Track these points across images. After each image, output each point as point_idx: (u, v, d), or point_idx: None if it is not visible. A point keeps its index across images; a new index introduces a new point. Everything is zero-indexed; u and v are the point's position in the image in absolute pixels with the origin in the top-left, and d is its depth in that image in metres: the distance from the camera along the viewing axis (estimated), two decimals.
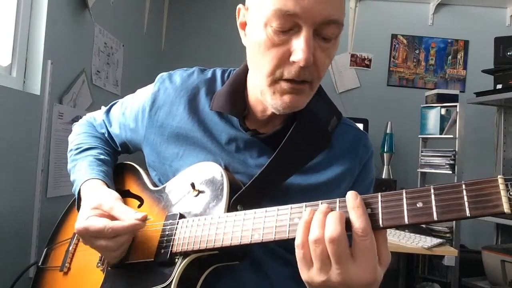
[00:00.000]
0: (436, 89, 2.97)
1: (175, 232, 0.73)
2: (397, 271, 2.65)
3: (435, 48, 3.32)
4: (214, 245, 0.67)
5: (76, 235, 0.92)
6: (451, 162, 2.71)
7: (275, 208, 0.63)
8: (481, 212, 0.47)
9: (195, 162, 0.81)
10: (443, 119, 2.81)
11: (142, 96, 0.92)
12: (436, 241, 2.25)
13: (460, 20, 3.30)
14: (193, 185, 0.77)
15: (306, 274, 0.57)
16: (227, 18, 3.29)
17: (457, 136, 2.71)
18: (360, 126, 2.85)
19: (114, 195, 0.80)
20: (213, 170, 0.77)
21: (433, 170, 2.81)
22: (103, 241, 0.73)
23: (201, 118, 0.84)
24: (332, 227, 0.54)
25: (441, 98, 2.85)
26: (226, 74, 0.89)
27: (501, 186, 0.47)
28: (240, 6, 0.77)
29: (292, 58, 0.67)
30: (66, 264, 0.90)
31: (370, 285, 0.55)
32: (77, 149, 0.96)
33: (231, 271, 0.75)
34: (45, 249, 0.99)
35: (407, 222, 0.51)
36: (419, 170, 2.90)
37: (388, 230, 2.06)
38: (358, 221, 0.54)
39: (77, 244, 0.92)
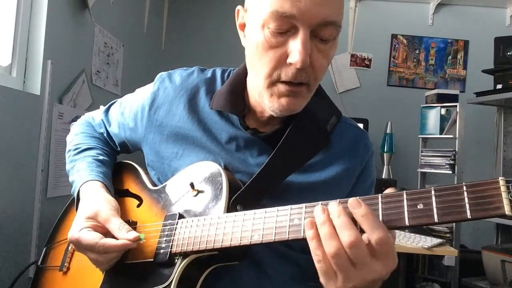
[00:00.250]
0: (436, 89, 2.97)
1: (174, 233, 0.73)
2: (397, 271, 2.65)
3: (435, 48, 3.32)
4: (213, 245, 0.67)
5: None
6: (451, 162, 2.70)
7: (275, 208, 0.63)
8: (482, 214, 0.47)
9: (195, 162, 0.80)
10: (443, 119, 2.81)
11: (141, 96, 0.92)
12: (436, 241, 2.25)
13: (460, 20, 3.30)
14: (192, 185, 0.76)
15: (334, 285, 0.56)
16: (227, 18, 3.28)
17: (457, 136, 2.71)
18: (360, 126, 2.83)
19: (112, 204, 0.80)
20: (212, 170, 0.77)
21: (433, 170, 2.81)
22: (94, 255, 0.74)
23: (201, 117, 0.84)
24: (347, 234, 0.53)
25: (441, 98, 2.85)
26: (226, 74, 0.90)
27: (502, 188, 0.46)
28: (239, 7, 0.77)
29: (289, 60, 0.67)
30: (66, 264, 0.90)
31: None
32: (75, 149, 0.96)
33: (231, 271, 0.75)
34: (44, 248, 0.99)
35: (408, 223, 0.51)
36: (419, 170, 2.90)
37: None
38: (374, 233, 0.52)
39: None
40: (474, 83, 3.16)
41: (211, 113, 0.84)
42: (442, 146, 2.84)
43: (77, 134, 1.01)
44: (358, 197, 0.56)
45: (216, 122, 0.83)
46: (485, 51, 3.04)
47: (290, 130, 0.78)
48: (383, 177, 2.99)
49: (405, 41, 3.33)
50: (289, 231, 0.60)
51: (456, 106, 2.75)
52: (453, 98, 2.83)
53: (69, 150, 0.98)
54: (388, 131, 3.05)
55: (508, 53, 2.67)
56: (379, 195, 0.55)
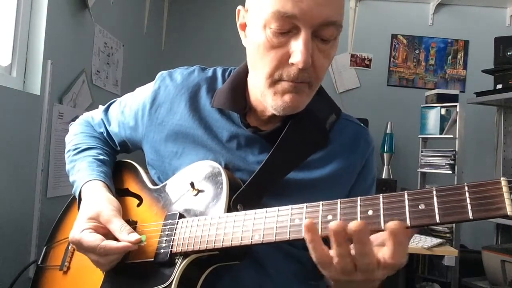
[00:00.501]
0: (436, 89, 2.97)
1: (175, 232, 0.73)
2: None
3: (435, 48, 3.32)
4: (214, 245, 0.67)
5: None
6: (451, 162, 2.70)
7: (276, 208, 0.63)
8: (484, 214, 0.47)
9: (195, 160, 0.80)
10: (443, 119, 2.81)
11: (142, 94, 0.92)
12: (436, 241, 2.25)
13: (460, 20, 3.30)
14: (192, 184, 0.76)
15: (329, 273, 0.57)
16: (227, 18, 3.28)
17: (457, 136, 2.71)
18: None
19: (113, 204, 0.79)
20: (212, 169, 0.76)
21: (433, 170, 2.81)
22: (94, 256, 0.74)
23: (202, 115, 0.84)
24: (364, 259, 0.54)
25: (441, 98, 2.85)
26: (227, 73, 0.90)
27: (504, 188, 0.46)
28: (239, 7, 0.77)
29: (291, 60, 0.67)
30: (66, 263, 0.90)
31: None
32: (75, 149, 0.96)
33: (232, 271, 0.75)
34: (44, 248, 0.99)
35: (409, 224, 0.51)
36: (419, 170, 2.90)
37: None
38: (390, 258, 0.53)
39: None
40: (474, 83, 3.16)
41: (212, 111, 0.84)
42: (442, 146, 2.84)
43: (76, 134, 1.00)
44: (359, 197, 0.56)
45: (217, 120, 0.83)
46: (485, 51, 3.03)
47: (289, 128, 0.78)
48: (383, 177, 2.99)
49: (405, 41, 3.33)
50: (290, 231, 0.60)
51: (456, 106, 2.75)
52: (453, 98, 2.83)
53: (69, 150, 0.97)
54: (388, 131, 3.05)
55: (508, 53, 2.67)
56: (381, 195, 0.55)
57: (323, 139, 0.81)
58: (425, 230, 2.46)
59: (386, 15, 3.35)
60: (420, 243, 2.21)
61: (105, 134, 1.00)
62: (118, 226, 0.75)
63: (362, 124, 0.90)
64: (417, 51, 3.33)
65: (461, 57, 3.30)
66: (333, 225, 0.53)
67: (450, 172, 2.70)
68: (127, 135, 0.95)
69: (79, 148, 0.95)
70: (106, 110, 1.01)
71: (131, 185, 0.92)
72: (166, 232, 0.74)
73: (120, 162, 1.01)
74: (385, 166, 3.02)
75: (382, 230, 0.54)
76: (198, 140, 0.83)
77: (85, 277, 0.84)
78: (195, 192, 0.76)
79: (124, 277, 0.77)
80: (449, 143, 2.77)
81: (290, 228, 0.60)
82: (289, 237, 0.60)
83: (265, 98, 0.73)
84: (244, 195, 0.74)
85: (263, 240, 0.62)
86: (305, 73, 0.68)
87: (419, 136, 2.95)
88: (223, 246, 0.66)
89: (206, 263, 0.72)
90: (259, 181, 0.76)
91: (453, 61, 3.30)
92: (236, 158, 0.81)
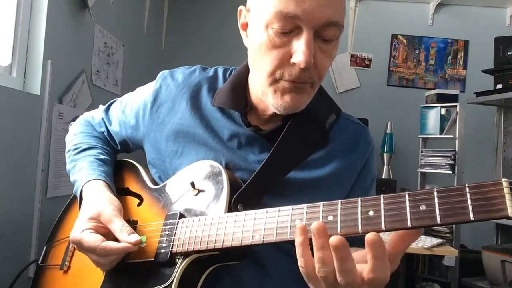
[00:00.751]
0: (436, 89, 2.97)
1: (175, 232, 0.73)
2: (397, 271, 2.65)
3: (435, 48, 3.32)
4: (214, 245, 0.67)
5: None
6: (451, 162, 2.71)
7: (276, 209, 0.63)
8: (485, 216, 0.46)
9: (195, 160, 0.80)
10: (443, 119, 2.81)
11: (143, 94, 0.92)
12: (436, 241, 2.25)
13: (460, 20, 3.30)
14: (193, 184, 0.76)
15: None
16: (227, 18, 3.28)
17: (457, 136, 2.71)
18: None
19: (114, 204, 0.79)
20: (213, 169, 0.76)
21: (433, 170, 2.81)
22: (95, 256, 0.74)
23: (203, 114, 0.84)
24: (348, 274, 0.52)
25: (441, 98, 2.85)
26: (228, 73, 0.90)
27: (506, 190, 0.46)
28: (241, 7, 0.77)
29: (293, 60, 0.67)
30: (66, 263, 0.90)
31: None
32: (75, 149, 0.96)
33: (232, 271, 0.75)
34: (45, 247, 0.99)
35: (410, 225, 0.51)
36: (419, 170, 2.90)
37: None
38: (370, 272, 0.52)
39: None
40: (474, 83, 3.16)
41: (213, 110, 0.84)
42: (442, 146, 2.84)
43: (76, 134, 1.00)
44: (360, 197, 0.56)
45: (218, 119, 0.83)
46: (485, 51, 3.04)
47: (289, 127, 0.78)
48: (383, 177, 2.99)
49: (405, 41, 3.33)
50: (290, 231, 0.60)
51: (456, 106, 2.75)
52: (453, 98, 2.83)
53: (69, 150, 0.97)
54: (388, 131, 3.05)
55: (508, 53, 2.67)
56: (381, 196, 0.55)
57: (323, 139, 0.82)
58: (425, 230, 2.46)
59: (386, 15, 3.35)
60: (420, 243, 2.21)
61: (105, 134, 1.00)
62: (118, 227, 0.75)
63: (362, 124, 0.90)
64: (417, 51, 3.33)
65: (461, 57, 3.30)
66: (315, 225, 0.53)
67: (450, 172, 2.71)
68: (128, 134, 0.95)
69: (79, 147, 0.95)
70: (107, 110, 1.01)
71: (132, 185, 0.92)
72: (167, 232, 0.74)
73: (120, 161, 1.01)
74: (385, 166, 3.02)
75: (383, 231, 0.54)
76: (199, 139, 0.83)
77: (86, 277, 0.84)
78: (196, 192, 0.76)
79: (125, 277, 0.77)
80: (449, 143, 2.77)
81: (290, 229, 0.60)
82: (289, 238, 0.60)
83: (266, 96, 0.74)
84: (244, 195, 0.74)
85: (263, 240, 0.62)
86: (306, 73, 0.68)
87: (419, 136, 2.95)
88: (224, 246, 0.66)
89: (207, 263, 0.72)
90: (260, 180, 0.76)
91: (453, 61, 3.30)
92: (237, 157, 0.81)
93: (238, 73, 0.85)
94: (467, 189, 0.48)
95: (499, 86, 2.71)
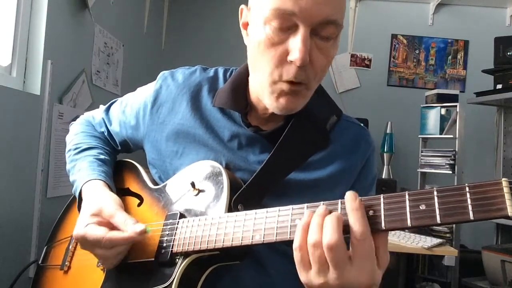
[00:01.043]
0: (436, 89, 2.97)
1: (175, 232, 0.73)
2: (397, 271, 2.65)
3: (435, 48, 3.32)
4: (215, 245, 0.67)
5: None
6: (451, 162, 2.71)
7: (276, 208, 0.63)
8: (485, 215, 0.47)
9: (195, 160, 0.80)
10: (443, 119, 2.81)
11: (143, 94, 0.92)
12: (436, 241, 2.25)
13: (460, 20, 3.30)
14: (193, 184, 0.76)
15: (305, 276, 0.57)
16: (227, 18, 3.29)
17: (457, 136, 2.71)
18: None
19: (115, 200, 0.79)
20: (213, 169, 0.76)
21: (433, 170, 2.81)
22: (100, 250, 0.73)
23: (203, 114, 0.84)
24: (330, 234, 0.53)
25: (441, 98, 2.85)
26: (228, 73, 0.90)
27: (505, 189, 0.46)
28: (242, 6, 0.77)
29: (289, 58, 0.67)
30: (66, 263, 0.90)
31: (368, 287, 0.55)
32: (76, 149, 0.96)
33: (232, 270, 0.75)
34: (45, 247, 0.99)
35: (410, 224, 0.51)
36: (419, 170, 2.90)
37: None
38: (356, 224, 0.53)
39: (77, 243, 0.92)
40: (474, 83, 3.16)
41: (213, 111, 0.84)
42: (442, 146, 2.84)
43: (77, 134, 1.00)
44: (361, 197, 0.56)
45: (219, 120, 0.83)
46: (485, 51, 3.04)
47: (289, 128, 0.78)
48: (383, 177, 2.99)
49: (405, 41, 3.34)
50: (290, 231, 0.60)
51: (456, 106, 2.75)
52: (453, 98, 2.83)
53: (69, 150, 0.97)
54: (388, 131, 3.06)
55: (508, 53, 2.67)
56: (381, 196, 0.55)
57: (324, 140, 0.82)
58: (425, 230, 2.46)
59: (386, 15, 3.35)
60: (420, 243, 2.21)
61: (106, 134, 1.00)
62: (122, 219, 0.74)
63: (362, 125, 0.90)
64: (417, 51, 3.33)
65: (461, 57, 3.30)
66: (320, 210, 0.57)
67: (450, 172, 2.71)
68: (128, 134, 0.95)
69: (79, 147, 0.95)
70: (107, 110, 1.01)
71: (132, 185, 0.92)
72: (167, 232, 0.74)
73: (120, 161, 1.01)
74: (385, 166, 3.02)
75: (383, 231, 0.54)
76: (199, 139, 0.83)
77: (86, 277, 0.84)
78: (196, 192, 0.76)
79: (125, 277, 0.77)
80: (449, 143, 2.77)
81: (290, 229, 0.60)
82: (289, 237, 0.60)
83: (264, 97, 0.74)
84: (244, 195, 0.74)
85: (263, 240, 0.62)
86: (303, 72, 0.68)
87: (419, 136, 2.95)
88: (224, 246, 0.66)
89: (207, 263, 0.72)
90: (260, 181, 0.76)
91: (453, 61, 3.31)
92: (237, 158, 0.81)
93: (238, 73, 0.85)
94: (467, 189, 0.49)
95: (499, 86, 2.72)
